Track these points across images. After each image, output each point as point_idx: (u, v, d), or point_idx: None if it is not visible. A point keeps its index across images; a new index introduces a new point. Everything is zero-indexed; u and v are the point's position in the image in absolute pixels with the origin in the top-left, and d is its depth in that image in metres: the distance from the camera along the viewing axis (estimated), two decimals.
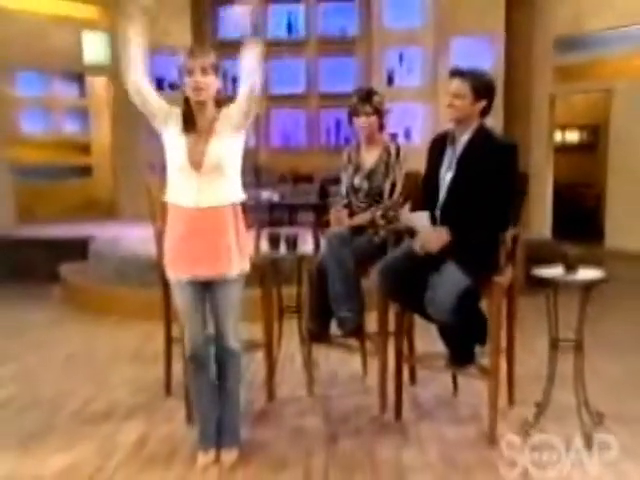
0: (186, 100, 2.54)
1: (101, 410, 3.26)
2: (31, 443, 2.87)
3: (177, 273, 2.60)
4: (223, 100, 2.59)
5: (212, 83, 2.51)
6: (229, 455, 2.66)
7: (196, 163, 2.52)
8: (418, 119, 8.68)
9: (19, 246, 6.84)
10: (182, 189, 2.57)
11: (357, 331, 3.35)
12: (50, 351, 4.33)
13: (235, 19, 2.55)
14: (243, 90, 2.55)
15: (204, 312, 2.66)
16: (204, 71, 2.48)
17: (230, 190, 2.60)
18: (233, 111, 2.56)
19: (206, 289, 2.62)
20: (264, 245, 3.45)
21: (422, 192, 3.05)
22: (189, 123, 2.55)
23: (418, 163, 3.58)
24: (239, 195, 2.64)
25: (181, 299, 2.64)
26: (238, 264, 2.59)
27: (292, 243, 3.34)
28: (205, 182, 2.53)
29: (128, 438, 2.90)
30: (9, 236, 7.14)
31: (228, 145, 2.56)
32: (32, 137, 8.57)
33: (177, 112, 2.59)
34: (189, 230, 2.55)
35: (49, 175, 8.38)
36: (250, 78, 2.53)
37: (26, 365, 4.02)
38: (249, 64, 2.52)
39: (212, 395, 2.70)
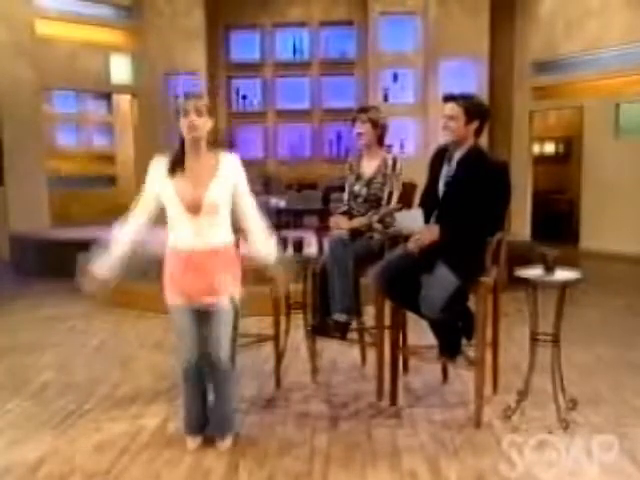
0: (181, 142, 2.48)
1: (128, 395, 3.26)
2: (65, 425, 2.88)
3: (174, 300, 2.54)
4: (215, 140, 2.54)
5: (205, 123, 2.46)
6: (224, 443, 2.62)
7: (194, 207, 2.44)
8: (410, 133, 8.68)
9: (54, 246, 6.84)
10: (179, 232, 2.50)
11: (344, 329, 3.29)
12: (82, 341, 4.33)
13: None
14: (254, 229, 2.57)
15: (198, 332, 2.56)
16: (198, 111, 2.43)
17: (223, 231, 2.53)
18: (239, 189, 2.52)
19: (201, 313, 2.54)
20: None
21: (421, 202, 3.03)
22: (177, 165, 2.47)
23: (411, 172, 3.60)
24: (230, 236, 2.57)
25: (177, 320, 2.57)
26: (229, 295, 2.53)
27: (298, 246, 3.34)
28: (201, 225, 2.46)
29: (152, 421, 2.90)
30: (45, 237, 7.16)
31: (225, 189, 2.49)
32: (66, 150, 8.59)
33: (158, 164, 2.50)
34: (185, 268, 2.49)
35: (80, 183, 8.41)
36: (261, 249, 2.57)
37: (61, 353, 4.03)
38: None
39: (200, 399, 2.66)
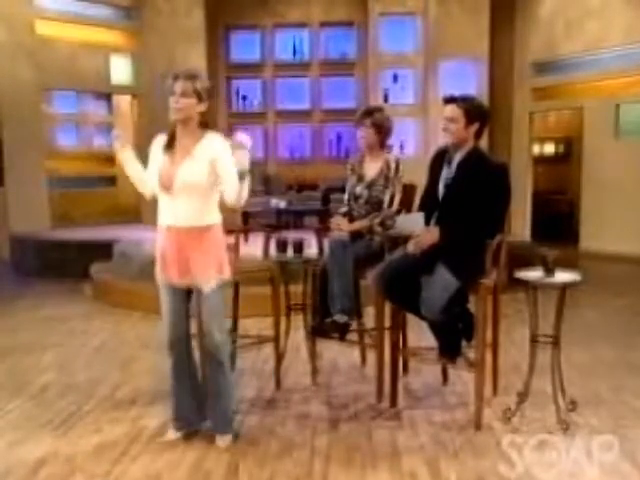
0: (174, 122, 2.52)
1: (128, 396, 3.26)
2: (65, 427, 2.88)
3: (158, 274, 2.62)
4: (207, 123, 2.53)
5: (192, 105, 2.45)
6: (223, 441, 2.65)
7: (166, 185, 2.47)
8: (410, 133, 8.68)
9: (54, 247, 6.86)
10: (161, 208, 2.57)
11: (343, 330, 3.29)
12: (82, 342, 4.33)
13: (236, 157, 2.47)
14: (228, 194, 2.49)
15: (182, 312, 2.62)
16: (184, 93, 2.43)
17: (205, 211, 2.51)
18: (220, 165, 2.45)
19: (189, 293, 2.61)
20: (273, 249, 3.46)
21: (421, 204, 3.03)
22: (169, 143, 2.52)
23: (411, 173, 3.61)
24: (214, 217, 2.55)
25: (162, 298, 2.63)
26: (212, 277, 2.52)
27: (298, 247, 3.34)
28: (177, 203, 2.48)
29: (152, 422, 2.90)
30: (46, 238, 7.17)
31: (200, 169, 2.45)
32: (66, 150, 8.59)
33: (157, 141, 2.58)
34: (165, 244, 2.55)
35: (80, 184, 8.41)
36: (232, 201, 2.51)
37: (62, 354, 4.03)
38: (229, 199, 2.51)
39: (189, 384, 2.69)
